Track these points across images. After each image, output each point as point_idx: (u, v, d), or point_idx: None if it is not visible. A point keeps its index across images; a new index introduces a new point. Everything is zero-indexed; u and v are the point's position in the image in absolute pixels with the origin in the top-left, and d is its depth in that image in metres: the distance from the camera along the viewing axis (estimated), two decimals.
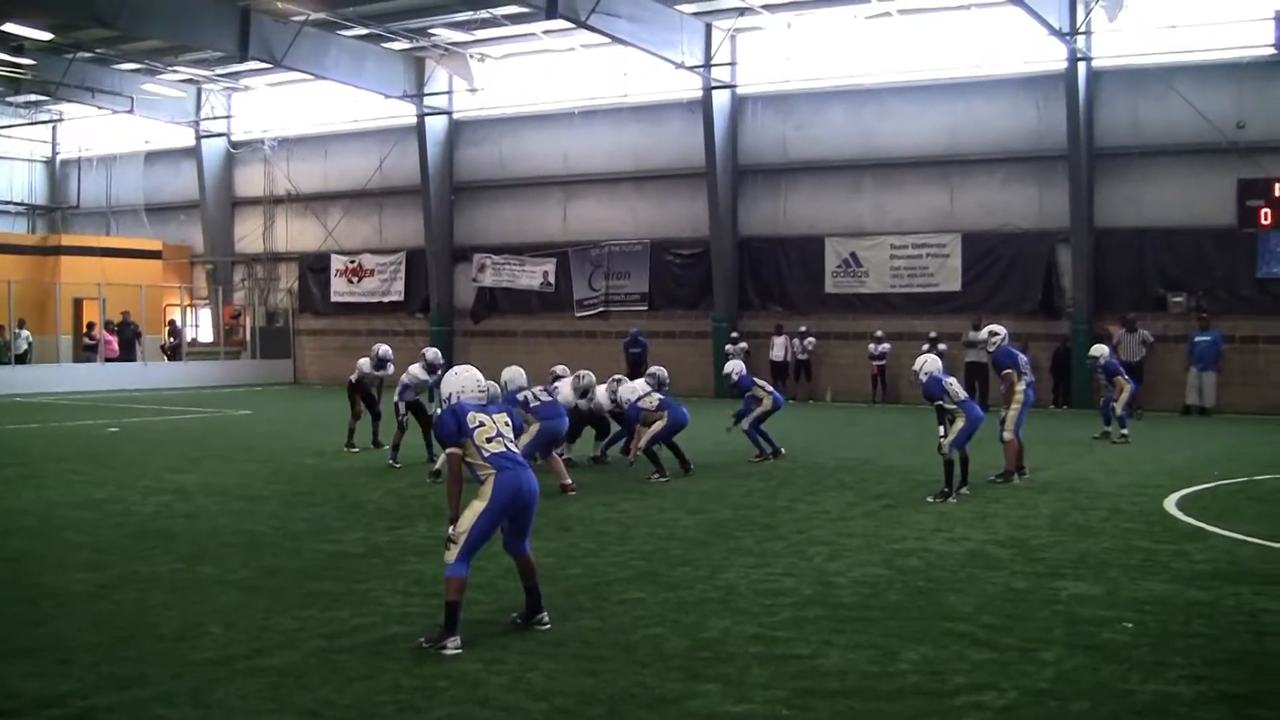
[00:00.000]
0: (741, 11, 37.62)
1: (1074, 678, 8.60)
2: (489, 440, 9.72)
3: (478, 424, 9.77)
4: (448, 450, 9.77)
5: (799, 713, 7.82)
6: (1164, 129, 34.01)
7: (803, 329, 37.34)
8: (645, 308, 41.28)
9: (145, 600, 10.93)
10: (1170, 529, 14.51)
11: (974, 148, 36.54)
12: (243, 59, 42.03)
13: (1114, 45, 34.53)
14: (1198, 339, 32.56)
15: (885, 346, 36.29)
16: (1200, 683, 8.45)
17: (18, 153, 56.30)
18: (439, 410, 10.29)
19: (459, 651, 9.11)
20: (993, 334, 19.21)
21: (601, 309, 42.46)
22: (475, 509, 9.52)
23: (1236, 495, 17.30)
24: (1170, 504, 15.87)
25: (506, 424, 9.99)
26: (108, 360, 44.34)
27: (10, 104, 53.76)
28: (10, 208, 56.24)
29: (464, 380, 10.32)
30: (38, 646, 9.39)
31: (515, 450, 9.88)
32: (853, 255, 38.29)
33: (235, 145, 51.02)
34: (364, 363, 23.56)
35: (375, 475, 19.45)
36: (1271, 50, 32.61)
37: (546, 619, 9.92)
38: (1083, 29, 33.87)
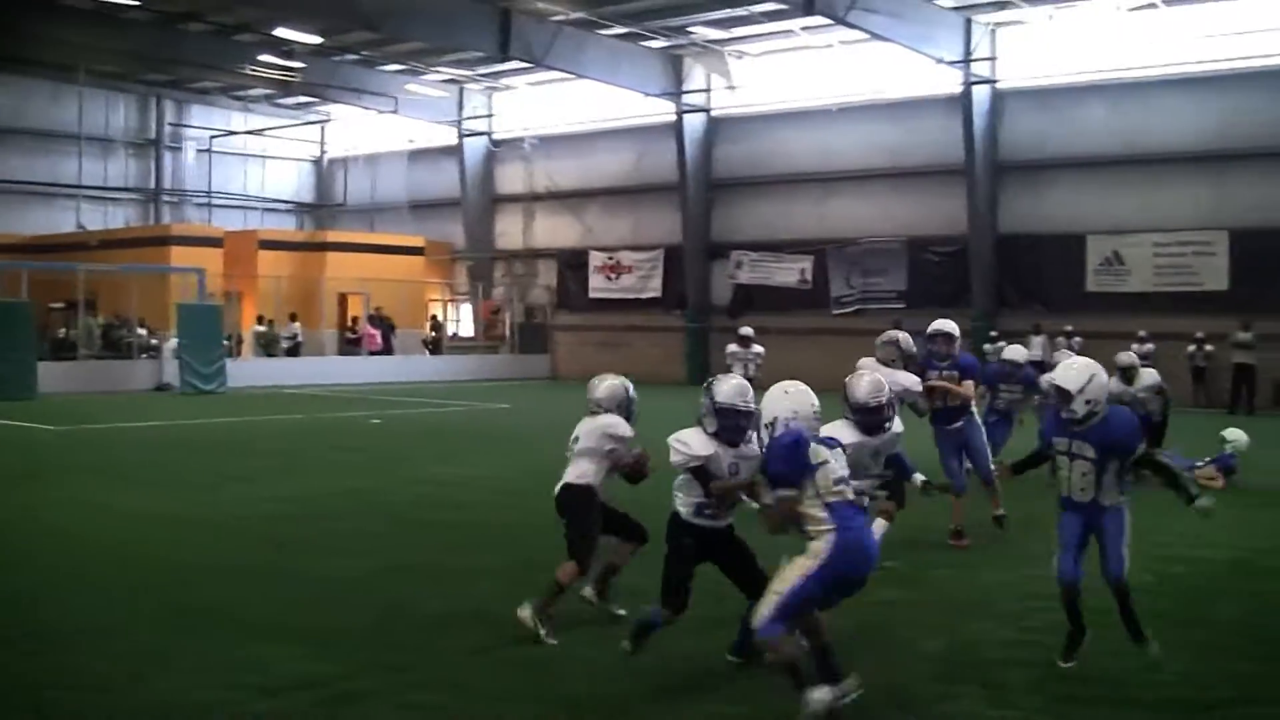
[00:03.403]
0: (1002, 5, 37.08)
1: None
2: (836, 483, 7.75)
3: (821, 460, 7.77)
4: (780, 493, 7.75)
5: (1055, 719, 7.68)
6: None
7: (1068, 328, 36.60)
8: (902, 305, 40.83)
9: (405, 588, 11.17)
10: None
11: (1241, 141, 35.40)
12: (503, 59, 42.94)
13: None
14: None
15: (1149, 346, 35.37)
16: None
17: (288, 153, 58.26)
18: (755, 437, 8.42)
19: (825, 699, 7.42)
20: None
21: (858, 306, 42.22)
22: (802, 566, 7.59)
23: None
24: None
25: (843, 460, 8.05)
26: (371, 354, 45.43)
27: (281, 106, 55.60)
28: (280, 206, 58.15)
29: (797, 401, 8.12)
30: (302, 630, 9.67)
31: (858, 502, 8.10)
32: (1115, 253, 37.48)
33: (496, 143, 51.89)
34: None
35: None
36: None
37: None
38: None
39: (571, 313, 50.08)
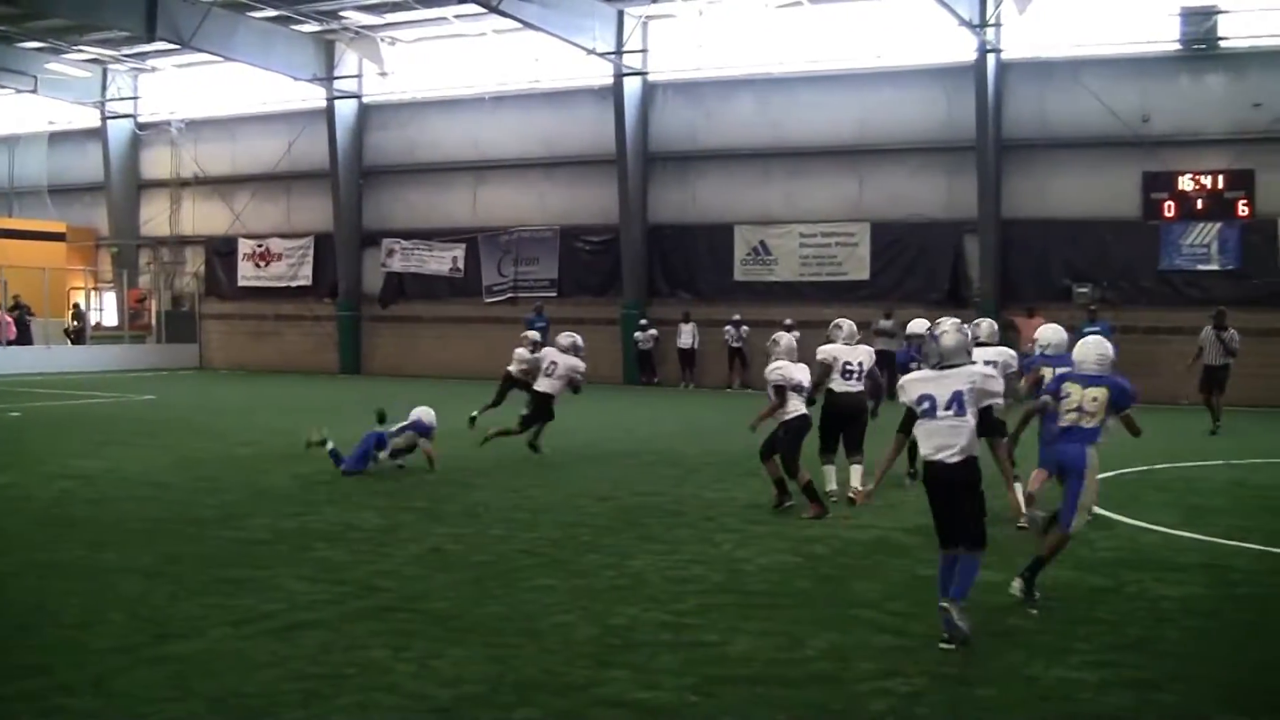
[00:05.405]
0: None
1: (980, 664, 8.67)
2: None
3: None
4: None
5: (707, 699, 7.83)
6: (1070, 121, 34.45)
7: (736, 317, 37.38)
8: (554, 294, 41.23)
9: (46, 588, 10.77)
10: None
11: (883, 138, 36.79)
12: (149, 39, 41.62)
13: (1023, 38, 34.89)
14: (1086, 330, 33.07)
15: (795, 334, 36.22)
16: (1103, 668, 8.55)
17: None
18: None
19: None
20: None
21: (510, 295, 42.37)
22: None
23: (1137, 484, 17.49)
24: None
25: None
26: (9, 343, 43.72)
27: None
28: None
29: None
30: None
31: None
32: (762, 243, 38.46)
33: (142, 127, 50.44)
34: None
35: (281, 461, 19.27)
36: (1176, 46, 33.22)
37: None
38: (993, 21, 34.19)
39: (221, 301, 49.05)
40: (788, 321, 35.11)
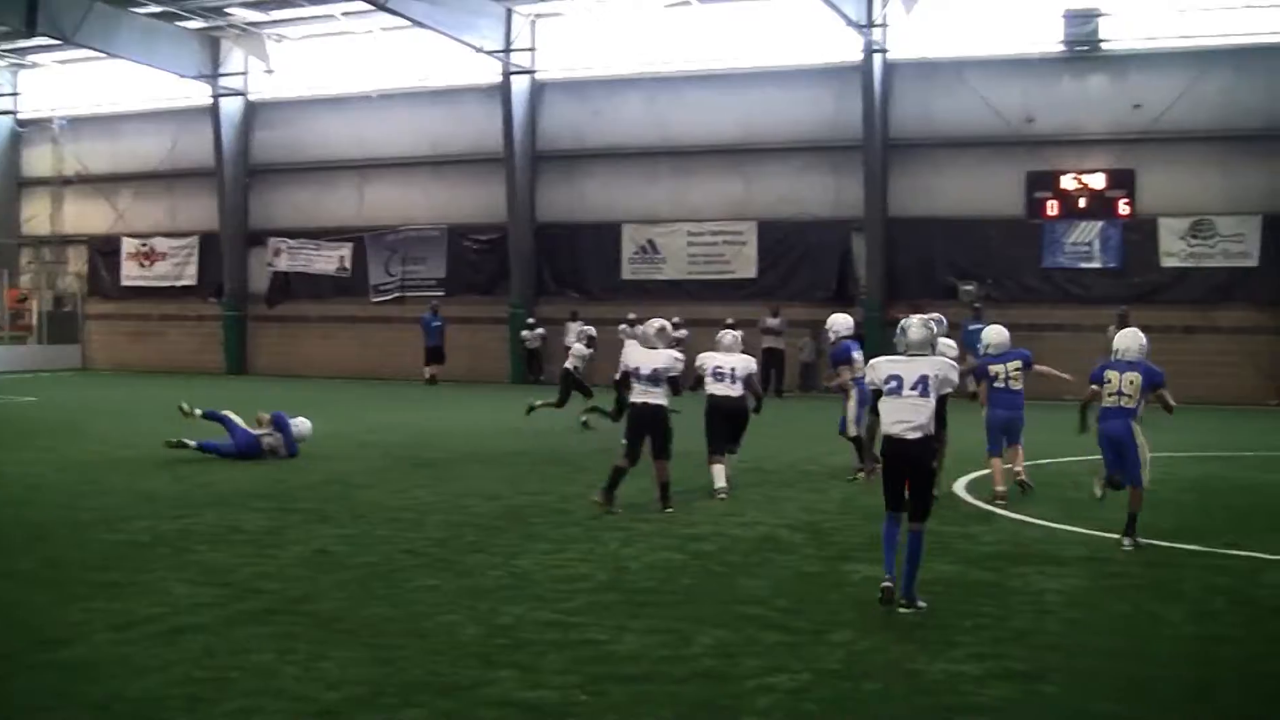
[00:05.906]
0: None
1: (865, 658, 8.75)
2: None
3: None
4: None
5: (595, 698, 7.84)
6: (956, 121, 34.89)
7: (632, 316, 37.30)
8: (442, 293, 41.06)
9: None
10: (957, 511, 14.82)
11: (770, 137, 37.01)
12: (30, 34, 41.00)
13: (909, 38, 35.23)
14: (971, 328, 33.41)
15: (684, 333, 36.35)
16: (986, 661, 8.66)
17: None
18: None
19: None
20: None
21: (397, 294, 42.18)
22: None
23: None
24: (959, 487, 16.19)
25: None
26: None
27: None
28: None
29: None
30: None
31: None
32: (650, 242, 38.56)
33: (22, 124, 49.64)
34: None
35: (163, 464, 19.04)
36: (1060, 47, 33.69)
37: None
38: (879, 21, 34.51)
39: (104, 301, 48.43)
40: (675, 319, 35.35)
